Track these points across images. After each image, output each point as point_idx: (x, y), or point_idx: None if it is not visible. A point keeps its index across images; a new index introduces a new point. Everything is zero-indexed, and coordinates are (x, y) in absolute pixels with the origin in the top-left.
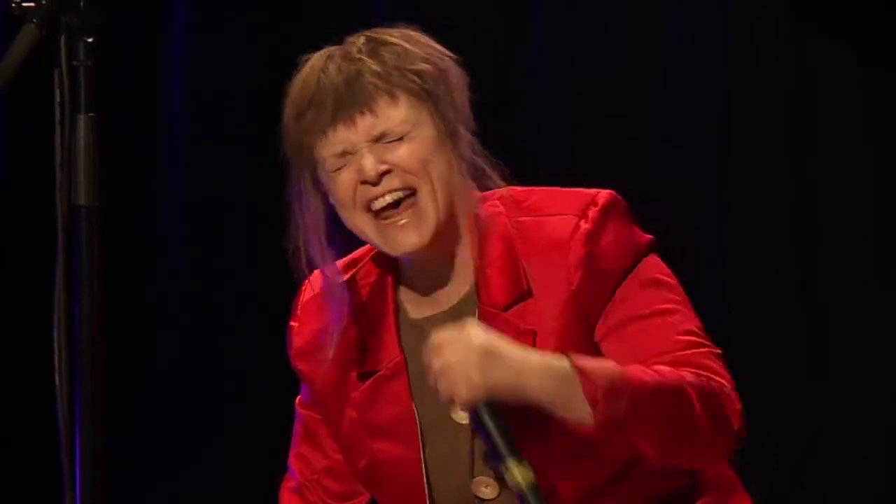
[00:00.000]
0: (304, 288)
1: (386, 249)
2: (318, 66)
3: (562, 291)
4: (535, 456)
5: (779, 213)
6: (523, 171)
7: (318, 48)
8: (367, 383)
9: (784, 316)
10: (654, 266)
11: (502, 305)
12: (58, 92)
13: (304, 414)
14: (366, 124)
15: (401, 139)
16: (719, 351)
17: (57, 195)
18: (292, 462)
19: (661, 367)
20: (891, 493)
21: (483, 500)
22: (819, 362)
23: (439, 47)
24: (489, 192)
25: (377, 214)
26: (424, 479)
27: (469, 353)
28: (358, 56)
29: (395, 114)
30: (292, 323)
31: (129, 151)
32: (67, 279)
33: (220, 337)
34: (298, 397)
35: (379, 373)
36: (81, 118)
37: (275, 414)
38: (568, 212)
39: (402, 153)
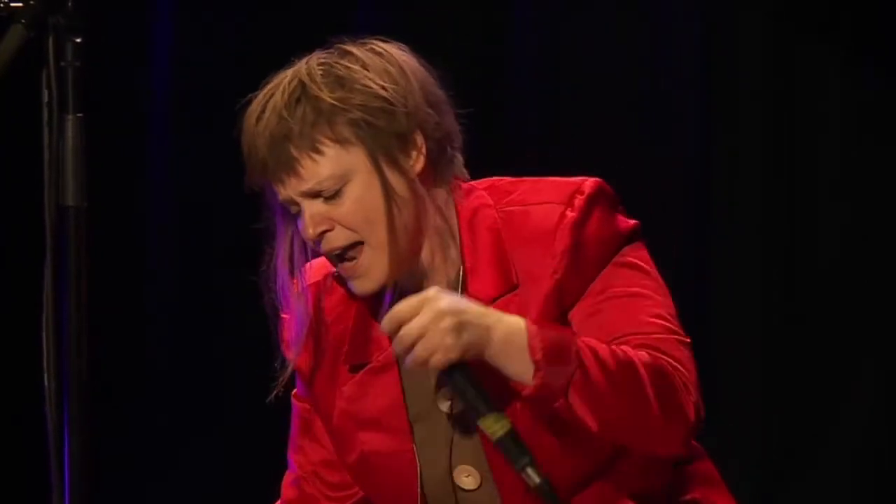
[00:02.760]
0: (296, 280)
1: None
2: (253, 116)
3: (546, 279)
4: (498, 458)
5: (765, 211)
6: (507, 171)
7: (304, 48)
8: (358, 375)
9: (767, 318)
10: (635, 251)
11: (490, 297)
12: (45, 93)
13: (300, 406)
14: (294, 184)
15: (338, 194)
16: (688, 340)
17: (45, 195)
18: (291, 455)
19: (622, 346)
20: (879, 490)
21: (464, 490)
22: (805, 360)
23: (390, 67)
24: (476, 182)
25: (334, 260)
26: (418, 470)
27: (441, 317)
28: (284, 113)
29: (322, 170)
30: (284, 315)
31: (117, 151)
32: (55, 280)
33: (212, 336)
34: (294, 390)
35: (369, 365)
36: (69, 119)
37: (269, 414)
38: (554, 200)
39: (342, 211)
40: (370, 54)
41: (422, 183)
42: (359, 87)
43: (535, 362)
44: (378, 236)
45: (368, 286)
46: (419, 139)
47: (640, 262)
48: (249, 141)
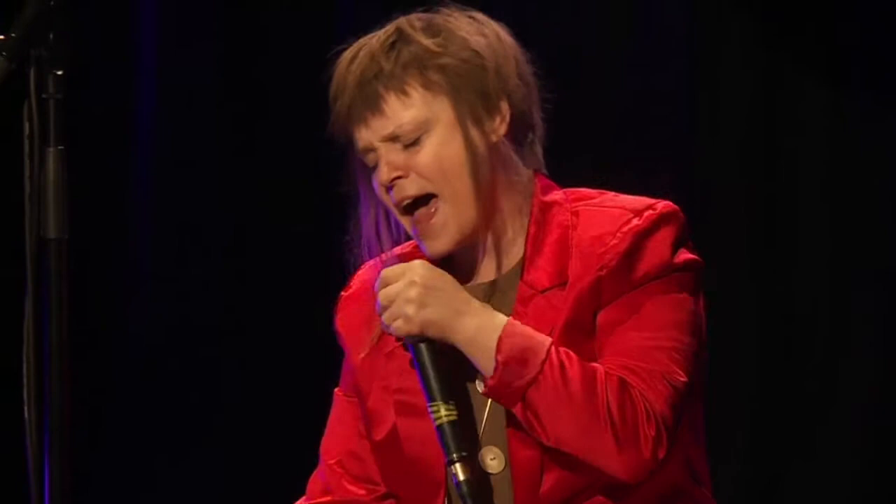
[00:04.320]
0: (364, 265)
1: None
2: (346, 59)
3: (592, 275)
4: (518, 445)
5: (749, 216)
6: None
7: (287, 70)
8: (399, 355)
9: (746, 323)
10: (683, 280)
11: (543, 287)
12: (27, 125)
13: (339, 398)
14: (377, 125)
15: (418, 142)
16: (682, 380)
17: (26, 228)
18: (322, 447)
19: (600, 367)
20: (870, 488)
21: (489, 473)
22: (788, 364)
23: (488, 31)
24: (554, 185)
25: (405, 213)
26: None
27: (409, 289)
28: (378, 54)
29: (407, 114)
30: (343, 293)
31: (99, 183)
32: (37, 311)
33: (198, 365)
34: (338, 387)
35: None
36: (51, 151)
37: (255, 439)
38: (626, 207)
39: (419, 159)
40: (469, 19)
41: (503, 150)
42: (455, 38)
43: (496, 362)
44: (453, 190)
45: (440, 246)
46: (504, 106)
47: (680, 296)
48: (339, 82)
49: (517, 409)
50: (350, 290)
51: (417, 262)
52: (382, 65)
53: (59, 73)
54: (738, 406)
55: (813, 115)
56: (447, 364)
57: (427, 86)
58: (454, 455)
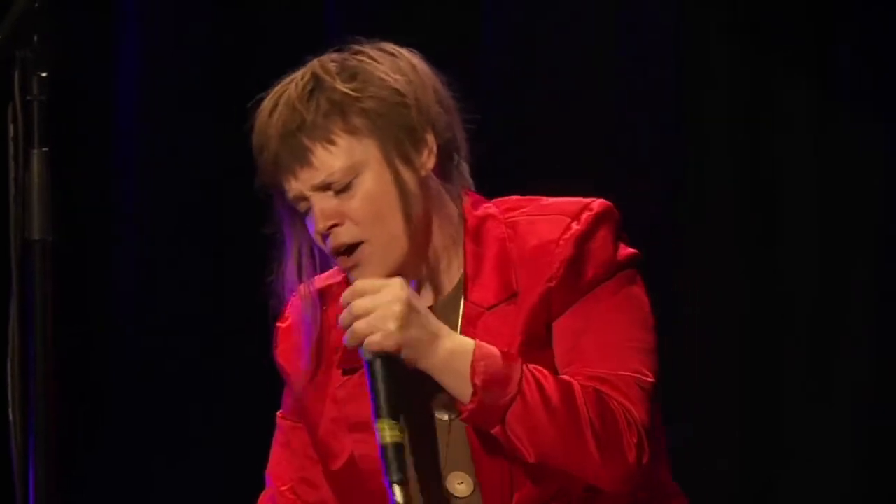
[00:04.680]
0: (301, 288)
1: None
2: (266, 111)
3: (541, 286)
4: (485, 467)
5: (737, 218)
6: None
7: (273, 69)
8: (352, 378)
9: (740, 322)
10: (629, 279)
11: (489, 304)
12: (11, 127)
13: (283, 423)
14: (306, 176)
15: (349, 187)
16: (650, 380)
17: (10, 229)
18: (269, 472)
19: (573, 378)
20: (864, 487)
21: (457, 497)
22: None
23: (402, 64)
24: (483, 199)
25: (335, 255)
26: None
27: (394, 304)
28: (297, 104)
29: (336, 162)
30: (279, 324)
31: (82, 185)
32: (21, 313)
33: (184, 365)
34: (279, 411)
35: (363, 369)
36: (35, 153)
37: (241, 446)
38: (562, 213)
39: (352, 205)
40: (382, 53)
41: (432, 183)
42: (372, 79)
43: (474, 386)
44: (386, 231)
45: (367, 275)
46: (430, 138)
47: (630, 292)
48: (261, 134)
49: (497, 431)
50: (286, 322)
51: (398, 280)
52: (304, 115)
53: (44, 74)
54: (733, 406)
55: (802, 115)
56: (401, 389)
57: (351, 131)
58: (393, 477)
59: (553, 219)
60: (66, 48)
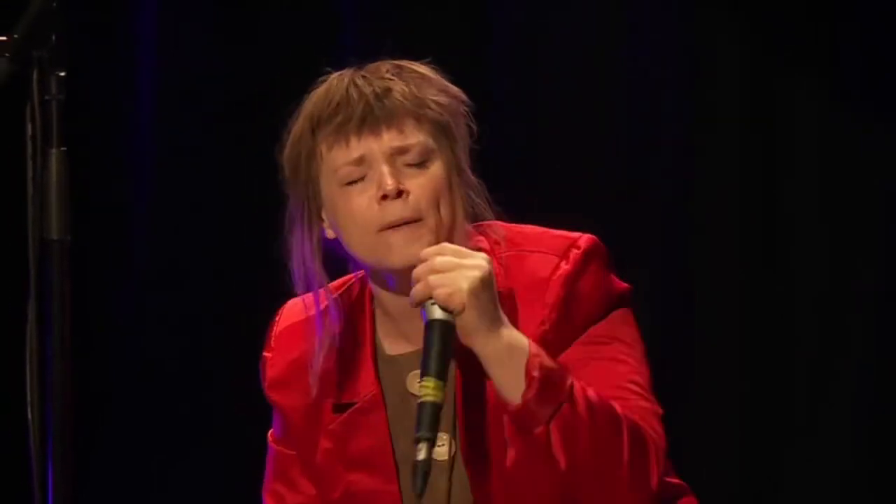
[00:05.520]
0: (277, 318)
1: (385, 262)
2: (345, 79)
3: (534, 329)
4: (492, 479)
5: (743, 224)
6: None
7: (288, 70)
8: (344, 415)
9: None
10: (623, 317)
11: None
12: (29, 126)
13: (277, 450)
14: (390, 136)
15: (419, 166)
16: (661, 412)
17: (29, 229)
18: (266, 499)
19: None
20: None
21: None
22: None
23: (455, 88)
24: (475, 224)
25: (384, 228)
26: None
27: (475, 270)
28: (387, 76)
29: (420, 137)
30: (266, 354)
31: (99, 185)
32: (39, 313)
33: (192, 364)
34: (270, 431)
35: (356, 405)
36: (53, 152)
37: (246, 452)
38: (549, 251)
39: (419, 182)
40: (425, 66)
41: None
42: (440, 80)
43: (530, 379)
44: (438, 221)
45: (413, 250)
46: (467, 170)
47: (625, 329)
48: (347, 93)
49: (539, 431)
50: (272, 351)
51: (485, 255)
52: (402, 85)
53: (62, 73)
54: (734, 409)
55: (806, 115)
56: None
57: (433, 118)
58: (423, 433)
59: (540, 258)
60: (81, 46)
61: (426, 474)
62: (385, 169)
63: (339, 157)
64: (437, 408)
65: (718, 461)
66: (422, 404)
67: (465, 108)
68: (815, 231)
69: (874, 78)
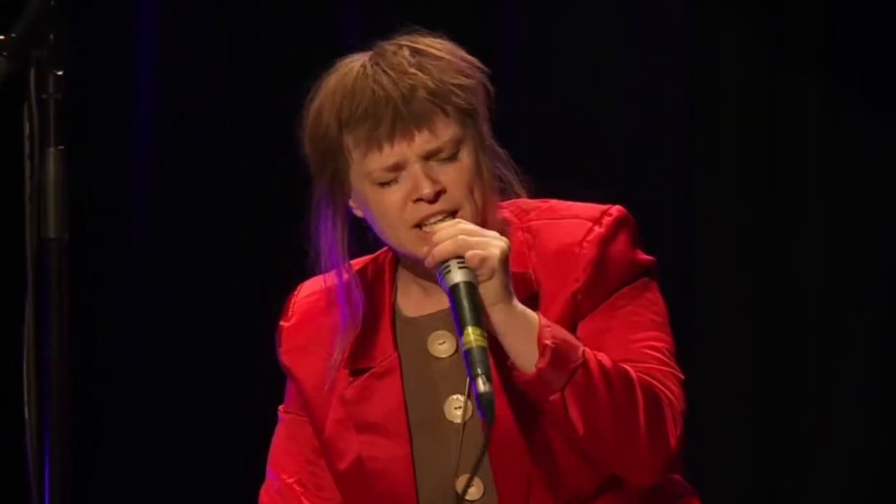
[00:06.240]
0: (298, 289)
1: (419, 253)
2: (366, 74)
3: (566, 289)
4: (503, 470)
5: (743, 224)
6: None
7: (289, 70)
8: (360, 380)
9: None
10: (648, 284)
11: None
12: (27, 125)
13: (287, 417)
14: (423, 140)
15: (450, 158)
16: (682, 377)
17: (27, 228)
18: (272, 465)
19: (624, 364)
20: (870, 490)
21: (468, 500)
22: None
23: (472, 59)
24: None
25: (423, 226)
26: (412, 476)
27: (502, 242)
28: (410, 70)
29: (449, 131)
30: (282, 323)
31: (98, 183)
32: (37, 312)
33: (193, 364)
34: (282, 405)
35: (372, 370)
36: (51, 151)
37: (248, 452)
38: (582, 216)
39: (452, 175)
40: (444, 43)
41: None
42: (460, 56)
43: (542, 348)
44: (474, 207)
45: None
46: (494, 144)
47: (650, 296)
48: (373, 95)
49: (555, 399)
50: (291, 320)
51: (504, 238)
52: (423, 80)
53: (60, 73)
54: (734, 409)
55: (811, 116)
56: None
57: (459, 106)
58: (478, 370)
59: (573, 222)
60: (80, 45)
61: (491, 404)
62: (420, 171)
63: (371, 163)
64: (484, 351)
65: (718, 461)
66: (468, 351)
67: (484, 77)
68: (816, 231)
69: (874, 78)
